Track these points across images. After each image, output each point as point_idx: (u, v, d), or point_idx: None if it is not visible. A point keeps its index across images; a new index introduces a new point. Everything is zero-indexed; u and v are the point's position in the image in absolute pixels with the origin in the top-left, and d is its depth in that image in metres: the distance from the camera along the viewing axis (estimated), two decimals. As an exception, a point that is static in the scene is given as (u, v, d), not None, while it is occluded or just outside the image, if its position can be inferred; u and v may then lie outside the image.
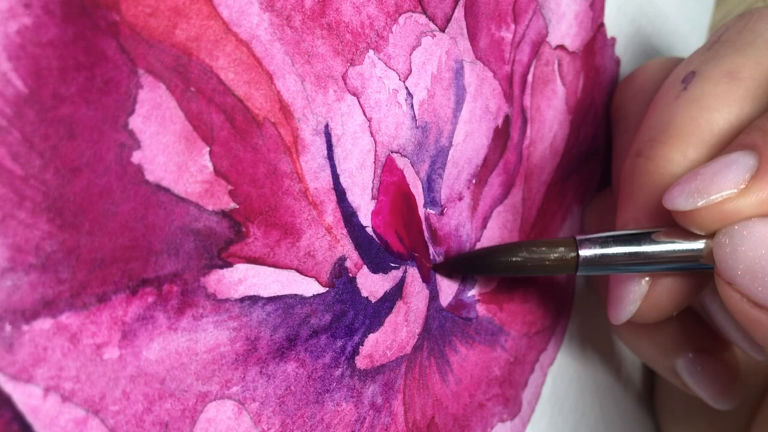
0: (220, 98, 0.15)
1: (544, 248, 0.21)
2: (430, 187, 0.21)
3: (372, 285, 0.19)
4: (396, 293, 0.20)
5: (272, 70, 0.16)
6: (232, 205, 0.16)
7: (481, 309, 0.24)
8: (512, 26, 0.23)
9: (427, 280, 0.21)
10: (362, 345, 0.19)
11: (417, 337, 0.21)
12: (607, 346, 0.31)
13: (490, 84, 0.23)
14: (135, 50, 0.14)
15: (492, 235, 0.24)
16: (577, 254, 0.20)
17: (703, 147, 0.21)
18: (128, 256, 0.14)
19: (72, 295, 0.13)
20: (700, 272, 0.21)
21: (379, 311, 0.19)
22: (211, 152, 0.15)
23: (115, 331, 0.14)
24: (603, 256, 0.20)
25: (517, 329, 0.25)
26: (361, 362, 0.19)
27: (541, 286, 0.26)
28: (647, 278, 0.21)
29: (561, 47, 0.25)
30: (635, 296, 0.21)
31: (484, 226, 0.23)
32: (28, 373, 0.13)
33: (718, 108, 0.21)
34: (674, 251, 0.20)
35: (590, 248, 0.20)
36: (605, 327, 0.30)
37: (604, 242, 0.21)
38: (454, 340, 0.22)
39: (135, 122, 0.14)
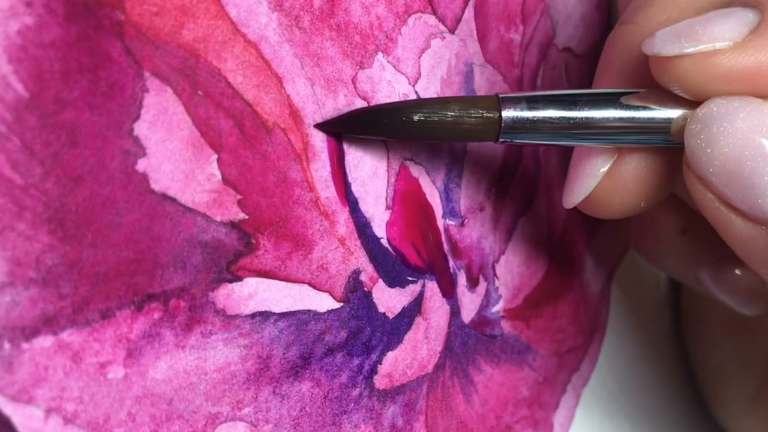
0: (228, 102, 0.15)
1: (456, 106, 0.17)
2: (448, 196, 0.21)
3: (389, 300, 0.19)
4: (415, 309, 0.20)
5: (281, 73, 0.16)
6: (241, 215, 0.16)
7: (506, 326, 0.23)
8: (521, 28, 0.23)
9: (448, 295, 0.21)
10: (380, 363, 0.19)
11: (438, 355, 0.21)
12: (646, 365, 0.30)
13: (500, 87, 0.23)
14: (140, 52, 0.14)
15: (518, 248, 0.24)
16: (500, 115, 0.17)
17: (691, 10, 0.18)
18: (133, 269, 0.14)
19: (74, 311, 0.13)
20: (674, 154, 0.18)
21: (397, 328, 0.19)
22: (219, 160, 0.15)
23: (120, 349, 0.14)
24: (530, 119, 0.17)
25: (545, 347, 0.25)
26: (379, 382, 0.19)
27: (572, 301, 0.26)
28: (610, 156, 0.19)
29: (567, 50, 0.25)
30: (594, 170, 0.19)
31: (508, 238, 0.23)
32: (29, 394, 0.13)
33: None
34: (634, 119, 0.17)
35: (514, 109, 0.17)
36: (644, 344, 0.30)
37: (533, 102, 0.18)
38: (478, 359, 0.22)
39: (140, 128, 0.14)
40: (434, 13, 0.20)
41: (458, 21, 0.21)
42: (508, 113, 0.18)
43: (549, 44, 0.24)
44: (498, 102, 0.18)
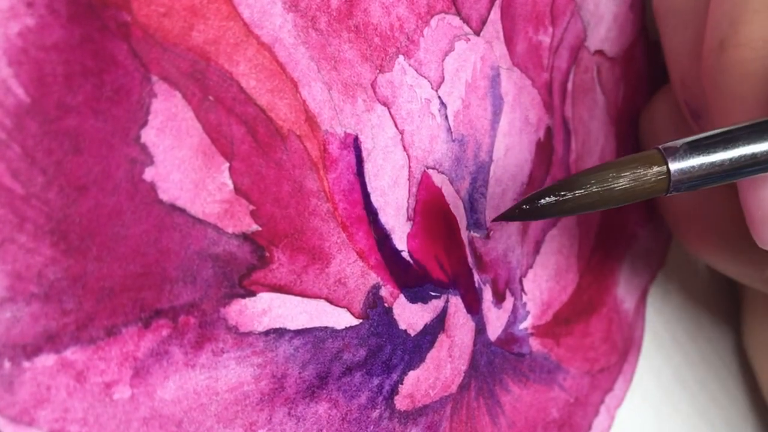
0: (240, 108, 0.15)
1: (619, 173, 0.18)
2: (472, 207, 0.21)
3: (410, 316, 0.19)
4: (438, 326, 0.19)
5: (297, 77, 0.16)
6: (255, 227, 0.15)
7: (534, 343, 0.23)
8: (550, 29, 0.23)
9: (473, 311, 0.21)
10: (402, 383, 0.18)
11: (463, 374, 0.20)
12: (687, 385, 0.29)
13: (528, 93, 0.22)
14: (148, 54, 0.14)
15: (547, 262, 0.23)
16: (668, 169, 0.17)
17: None
18: (140, 284, 0.14)
19: (78, 328, 0.13)
20: None
21: (419, 346, 0.19)
22: (231, 168, 0.15)
23: (126, 368, 0.14)
24: (704, 165, 0.17)
25: (577, 366, 0.24)
26: (400, 403, 0.18)
27: (605, 318, 0.26)
28: None
29: (599, 53, 0.25)
30: None
31: (536, 251, 0.23)
32: (30, 415, 0.12)
33: None
34: None
35: (684, 159, 0.18)
36: (684, 363, 0.29)
37: (703, 147, 0.18)
38: (505, 379, 0.22)
39: (148, 135, 0.14)
40: (458, 13, 0.20)
41: (484, 22, 0.20)
42: (675, 165, 0.18)
43: (580, 47, 0.24)
44: (662, 155, 0.18)
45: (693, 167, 0.18)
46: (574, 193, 0.18)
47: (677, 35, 0.24)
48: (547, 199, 0.18)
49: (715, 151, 0.18)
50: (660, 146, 0.18)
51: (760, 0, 0.19)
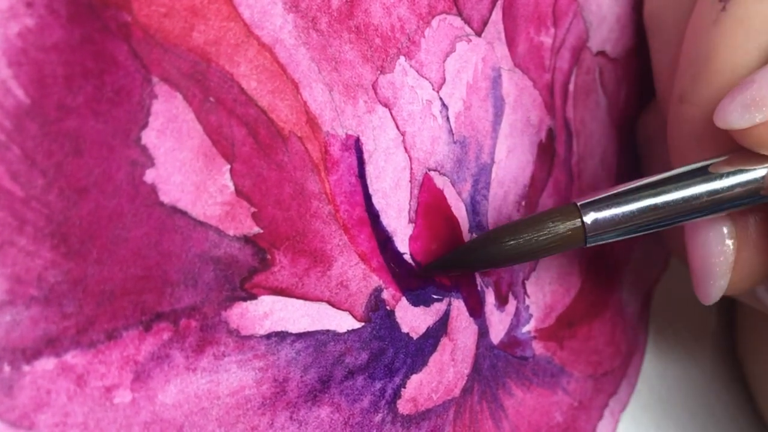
0: (241, 109, 0.15)
1: (536, 229, 0.19)
2: (474, 209, 0.21)
3: (413, 319, 0.19)
4: (440, 329, 0.19)
5: (297, 78, 0.16)
6: (256, 229, 0.15)
7: (538, 347, 0.23)
8: (552, 30, 0.23)
9: (476, 314, 0.21)
10: (404, 387, 0.18)
11: (466, 378, 0.20)
12: (690, 388, 0.29)
13: (530, 94, 0.22)
14: (148, 55, 0.14)
15: (549, 265, 0.23)
16: (582, 222, 0.18)
17: (744, 68, 0.19)
18: (141, 287, 0.14)
19: (78, 332, 0.13)
20: None
21: (422, 349, 0.19)
22: (232, 170, 0.15)
23: (127, 372, 0.14)
24: (615, 217, 0.18)
25: (580, 370, 0.24)
26: (403, 407, 0.18)
27: (609, 321, 0.25)
28: (730, 241, 0.19)
29: (602, 54, 0.25)
30: (723, 267, 0.20)
31: (538, 253, 0.23)
32: (30, 420, 0.12)
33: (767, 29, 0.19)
34: (726, 187, 0.18)
35: (597, 211, 0.18)
36: (688, 366, 0.29)
37: (617, 198, 0.18)
38: (508, 382, 0.22)
39: (148, 137, 0.14)
40: (460, 14, 0.20)
41: (485, 23, 0.20)
42: (589, 219, 0.18)
43: (582, 47, 0.24)
44: (578, 210, 0.19)
45: (607, 218, 0.18)
46: (487, 251, 0.19)
47: (662, 53, 0.24)
48: (464, 256, 0.19)
49: (636, 201, 0.18)
50: (576, 201, 0.19)
51: (722, 59, 0.19)
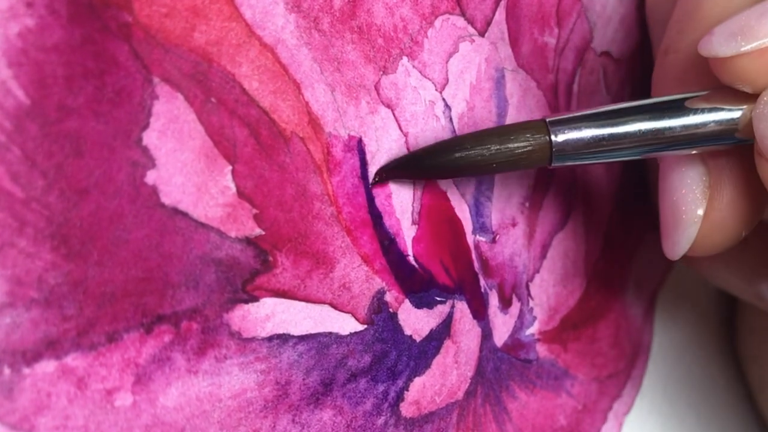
0: (243, 110, 0.15)
1: (501, 139, 0.18)
2: (478, 211, 0.21)
3: (416, 322, 0.19)
4: (443, 331, 0.19)
5: (299, 78, 0.16)
6: (258, 231, 0.15)
7: (542, 349, 0.23)
8: (556, 30, 0.23)
9: (479, 316, 0.20)
10: (407, 390, 0.18)
11: (469, 381, 0.20)
12: (695, 391, 0.29)
13: (533, 95, 0.22)
14: (149, 56, 0.13)
15: (554, 266, 0.23)
16: (550, 140, 0.18)
17: (740, 4, 0.19)
18: (142, 289, 0.14)
19: (79, 334, 0.13)
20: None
21: (425, 352, 0.19)
22: (233, 171, 0.15)
23: (128, 375, 0.14)
24: (584, 139, 0.18)
25: (585, 373, 0.24)
26: (406, 410, 0.18)
27: (613, 323, 0.25)
28: (701, 187, 0.19)
29: (606, 54, 0.25)
30: (691, 217, 0.19)
31: (543, 255, 0.23)
32: (30, 423, 0.12)
33: None
34: (700, 123, 0.18)
35: (564, 132, 0.18)
36: (693, 368, 0.29)
37: (586, 120, 0.18)
38: (511, 385, 0.22)
39: (149, 138, 0.14)
40: (463, 14, 0.20)
41: (488, 23, 0.20)
42: (559, 138, 0.18)
43: (586, 48, 0.24)
44: (546, 126, 0.18)
45: (576, 140, 0.18)
46: (454, 155, 0.18)
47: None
48: (428, 160, 0.18)
49: (607, 126, 0.18)
50: (546, 117, 0.18)
51: (709, 8, 0.19)
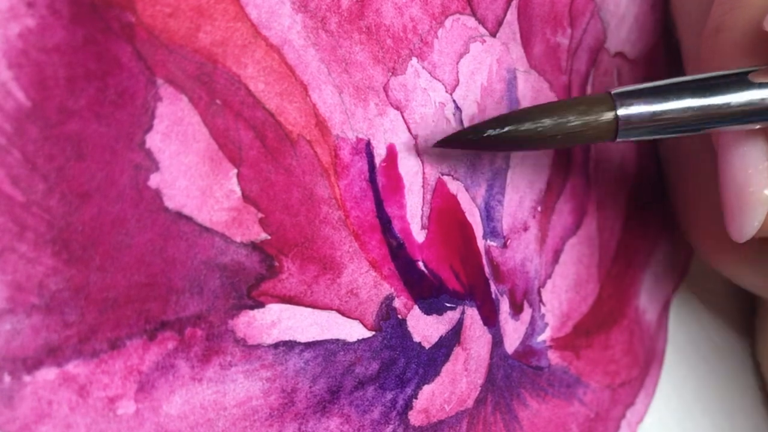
0: (249, 112, 0.15)
1: (568, 112, 0.18)
2: (489, 215, 0.20)
3: (425, 328, 0.18)
4: (453, 338, 0.19)
5: (306, 79, 0.16)
6: (263, 235, 0.15)
7: (553, 356, 0.23)
8: (568, 30, 0.22)
9: (490, 323, 0.20)
10: (416, 398, 0.18)
11: (479, 388, 0.20)
12: (710, 399, 0.29)
13: (546, 96, 0.22)
14: (153, 56, 0.13)
15: (566, 272, 0.23)
16: (616, 114, 0.18)
17: None
18: (145, 295, 0.14)
19: (80, 341, 0.13)
20: None
21: (434, 359, 0.19)
22: (239, 175, 0.15)
23: (131, 382, 0.13)
24: (648, 113, 0.18)
25: (597, 380, 0.24)
26: (415, 418, 0.18)
27: (626, 330, 0.25)
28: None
29: (620, 54, 0.25)
30: (761, 197, 0.19)
31: (555, 260, 0.23)
32: (31, 431, 0.12)
33: None
34: (759, 98, 0.18)
35: (632, 105, 0.18)
36: (707, 376, 0.29)
37: (645, 95, 0.18)
38: (522, 393, 0.21)
39: (153, 140, 0.14)
40: (474, 14, 0.19)
41: (500, 23, 0.20)
42: (625, 111, 0.18)
43: (599, 48, 0.24)
44: (612, 99, 0.18)
45: (642, 114, 0.18)
46: (519, 127, 0.18)
47: (691, 33, 0.24)
48: (492, 131, 0.18)
49: (672, 99, 0.18)
50: (611, 90, 0.18)
51: None
